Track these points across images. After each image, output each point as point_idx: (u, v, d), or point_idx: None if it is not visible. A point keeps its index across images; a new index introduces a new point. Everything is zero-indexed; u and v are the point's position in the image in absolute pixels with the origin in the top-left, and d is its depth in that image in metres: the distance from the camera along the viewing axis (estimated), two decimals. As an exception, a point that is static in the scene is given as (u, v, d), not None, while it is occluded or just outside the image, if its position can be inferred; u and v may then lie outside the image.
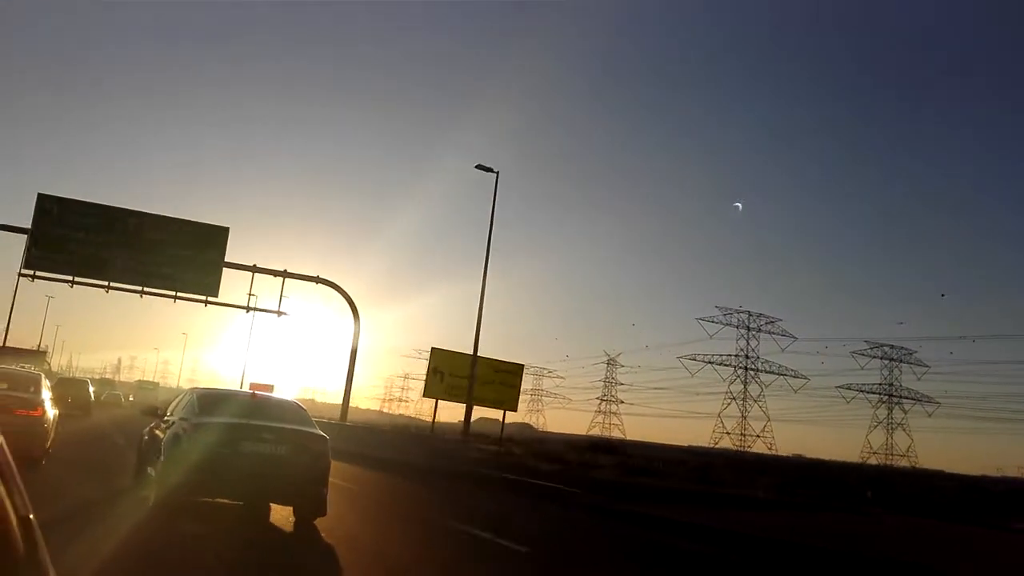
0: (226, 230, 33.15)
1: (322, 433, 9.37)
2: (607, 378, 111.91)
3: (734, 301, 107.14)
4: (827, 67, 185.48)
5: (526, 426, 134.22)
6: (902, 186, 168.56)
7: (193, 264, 32.34)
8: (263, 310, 34.65)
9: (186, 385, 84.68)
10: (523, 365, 34.69)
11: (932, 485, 34.94)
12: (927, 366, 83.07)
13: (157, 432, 10.05)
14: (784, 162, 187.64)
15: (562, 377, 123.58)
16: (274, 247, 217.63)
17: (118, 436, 21.48)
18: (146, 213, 32.50)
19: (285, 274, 34.10)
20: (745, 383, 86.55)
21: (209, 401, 9.71)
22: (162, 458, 8.99)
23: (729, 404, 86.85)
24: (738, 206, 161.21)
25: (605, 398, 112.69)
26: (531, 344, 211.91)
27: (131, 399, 64.49)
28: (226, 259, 32.83)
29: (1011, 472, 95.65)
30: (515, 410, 31.70)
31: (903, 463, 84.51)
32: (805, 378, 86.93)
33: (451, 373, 28.62)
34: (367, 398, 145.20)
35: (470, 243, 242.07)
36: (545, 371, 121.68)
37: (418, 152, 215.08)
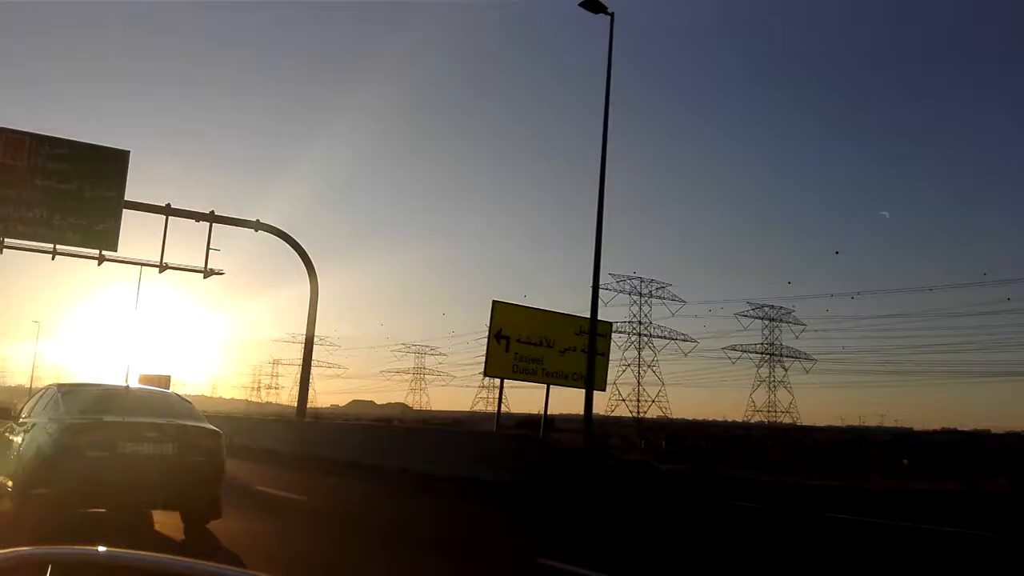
0: (126, 154, 22.85)
1: (214, 428, 8.32)
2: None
3: (622, 269, 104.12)
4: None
5: (403, 406, 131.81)
6: (790, 145, 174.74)
7: (80, 202, 21.89)
8: (187, 268, 24.40)
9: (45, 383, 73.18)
10: (612, 324, 26.43)
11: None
12: (803, 324, 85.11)
13: (12, 437, 8.50)
14: (673, 124, 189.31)
15: (445, 354, 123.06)
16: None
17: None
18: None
19: (213, 217, 24.24)
20: (639, 349, 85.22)
21: (77, 397, 8.55)
22: (21, 468, 7.67)
23: (624, 371, 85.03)
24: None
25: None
26: (413, 322, 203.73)
27: None
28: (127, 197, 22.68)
29: (889, 422, 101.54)
30: (603, 389, 22.36)
31: (786, 419, 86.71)
32: (695, 341, 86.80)
33: (520, 338, 19.96)
34: (233, 387, 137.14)
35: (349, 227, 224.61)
36: (428, 348, 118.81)
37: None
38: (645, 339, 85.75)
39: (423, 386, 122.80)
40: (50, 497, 7.23)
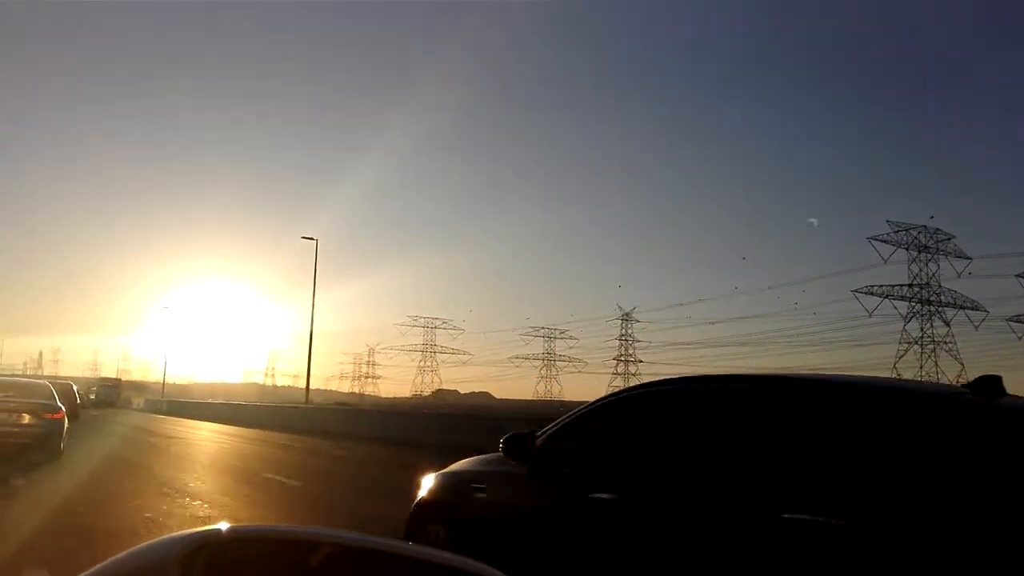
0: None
1: (59, 405, 13.11)
2: (623, 335, 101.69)
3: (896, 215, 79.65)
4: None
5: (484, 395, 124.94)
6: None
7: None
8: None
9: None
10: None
11: None
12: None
13: None
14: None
15: (576, 338, 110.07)
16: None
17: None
18: None
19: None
20: (923, 321, 64.59)
21: None
22: None
23: (906, 351, 65.12)
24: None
25: (622, 358, 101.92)
26: (535, 306, 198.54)
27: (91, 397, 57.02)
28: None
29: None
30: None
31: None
32: (984, 311, 64.78)
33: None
34: (337, 378, 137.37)
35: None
36: (556, 331, 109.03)
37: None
38: (934, 308, 63.79)
39: (555, 373, 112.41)
40: None
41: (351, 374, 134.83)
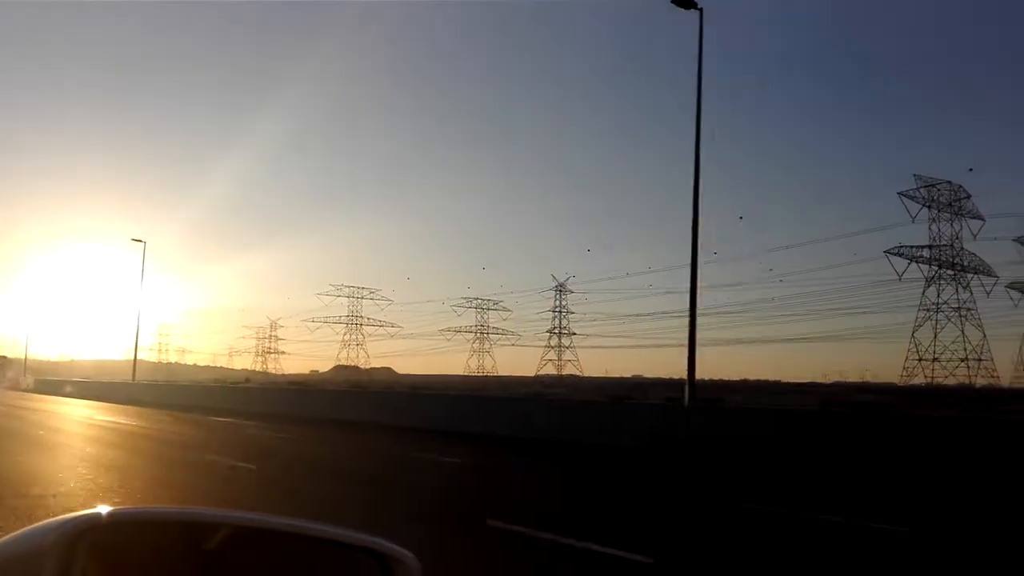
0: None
1: None
2: (557, 307, 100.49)
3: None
4: None
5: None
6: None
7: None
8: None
9: None
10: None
11: None
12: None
13: None
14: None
15: (509, 310, 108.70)
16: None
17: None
18: None
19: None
20: (939, 286, 58.76)
21: None
22: None
23: (926, 319, 59.40)
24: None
25: (555, 331, 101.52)
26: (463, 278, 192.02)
27: None
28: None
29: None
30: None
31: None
32: (995, 276, 59.68)
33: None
34: (242, 354, 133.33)
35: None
36: (490, 303, 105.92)
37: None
38: (958, 272, 57.47)
39: (488, 347, 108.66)
40: None
41: (253, 349, 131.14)
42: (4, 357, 76.78)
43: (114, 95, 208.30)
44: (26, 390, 58.51)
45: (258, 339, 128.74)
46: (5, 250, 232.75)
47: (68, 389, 51.98)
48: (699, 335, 18.48)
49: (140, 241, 43.00)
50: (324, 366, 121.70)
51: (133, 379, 48.35)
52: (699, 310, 18.56)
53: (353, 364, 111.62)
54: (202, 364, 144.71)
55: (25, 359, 75.31)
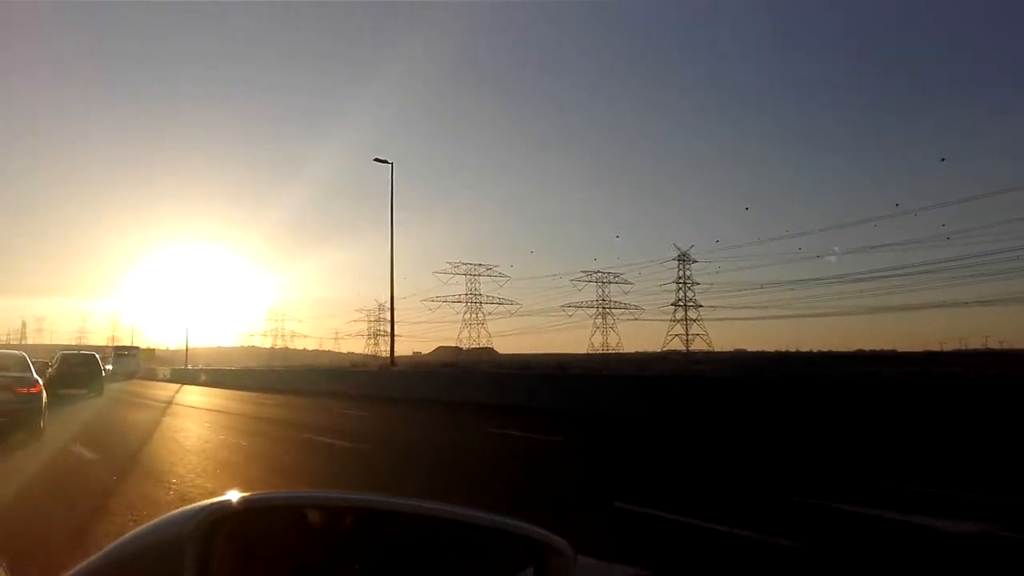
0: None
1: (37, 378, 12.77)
2: (680, 278, 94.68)
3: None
4: None
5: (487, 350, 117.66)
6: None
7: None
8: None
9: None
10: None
11: None
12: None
13: None
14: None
15: (631, 283, 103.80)
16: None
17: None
18: None
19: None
20: None
21: None
22: None
23: None
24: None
25: (680, 303, 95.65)
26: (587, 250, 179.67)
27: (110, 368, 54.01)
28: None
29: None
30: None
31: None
32: None
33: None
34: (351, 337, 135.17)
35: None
36: (611, 276, 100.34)
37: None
38: None
39: (611, 322, 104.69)
40: None
41: (365, 332, 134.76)
42: (136, 347, 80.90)
43: (246, 89, 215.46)
44: (163, 380, 60.59)
45: (368, 321, 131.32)
46: (131, 247, 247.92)
47: (203, 378, 53.55)
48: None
49: (386, 162, 37.32)
50: (427, 348, 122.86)
51: (259, 366, 46.80)
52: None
53: (454, 345, 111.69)
54: (311, 348, 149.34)
55: (187, 349, 78.49)
